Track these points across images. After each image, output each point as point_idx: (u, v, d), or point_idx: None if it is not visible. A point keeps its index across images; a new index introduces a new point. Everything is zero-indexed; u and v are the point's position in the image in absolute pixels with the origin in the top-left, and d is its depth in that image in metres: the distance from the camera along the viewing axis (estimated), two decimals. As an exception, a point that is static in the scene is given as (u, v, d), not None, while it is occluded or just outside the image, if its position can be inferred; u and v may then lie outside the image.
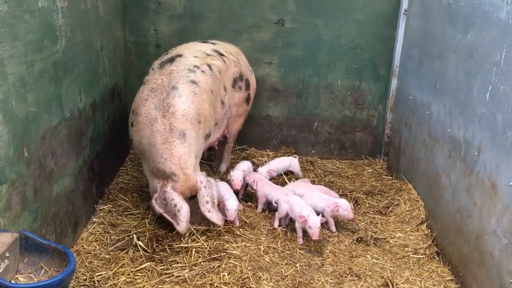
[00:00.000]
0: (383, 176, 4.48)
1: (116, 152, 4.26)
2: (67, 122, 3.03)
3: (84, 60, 3.34)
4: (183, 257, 3.08)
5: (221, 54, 3.82)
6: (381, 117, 4.75)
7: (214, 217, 3.18)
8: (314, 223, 3.18)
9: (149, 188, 3.36)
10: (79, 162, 3.28)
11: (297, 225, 3.35)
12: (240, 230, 3.45)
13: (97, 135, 3.64)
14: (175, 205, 3.03)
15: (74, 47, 3.11)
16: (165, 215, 3.11)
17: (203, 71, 3.49)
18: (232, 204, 3.41)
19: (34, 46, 2.54)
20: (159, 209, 3.12)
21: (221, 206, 3.42)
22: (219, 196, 3.42)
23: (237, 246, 3.25)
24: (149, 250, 3.13)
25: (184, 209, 3.02)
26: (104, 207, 3.68)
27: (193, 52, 3.62)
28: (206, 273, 2.96)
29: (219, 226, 3.28)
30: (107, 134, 3.91)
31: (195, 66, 3.48)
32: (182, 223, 3.01)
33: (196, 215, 3.28)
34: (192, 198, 3.19)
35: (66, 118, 3.02)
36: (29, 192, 2.52)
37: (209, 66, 3.58)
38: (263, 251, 3.24)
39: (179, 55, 3.53)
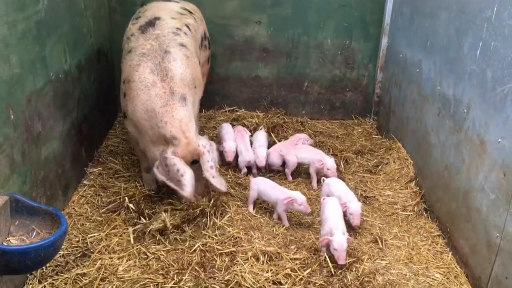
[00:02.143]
0: (373, 136, 4.50)
1: (104, 115, 4.21)
2: (52, 84, 2.97)
3: (68, 20, 3.24)
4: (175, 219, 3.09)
5: (190, 12, 3.71)
6: (371, 76, 4.73)
7: (219, 182, 3.04)
8: (339, 245, 2.70)
9: (148, 159, 3.19)
10: (66, 124, 3.24)
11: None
12: (233, 190, 3.48)
13: (84, 97, 3.58)
14: (178, 170, 2.88)
15: (56, 7, 3.01)
16: (168, 182, 2.95)
17: (185, 33, 3.38)
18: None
19: (15, 6, 2.45)
20: (161, 176, 2.97)
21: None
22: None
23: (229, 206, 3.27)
24: (140, 212, 3.12)
25: (188, 174, 2.88)
26: (94, 170, 3.66)
27: (168, 13, 3.47)
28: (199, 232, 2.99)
29: (223, 192, 3.20)
30: (94, 96, 3.85)
31: (177, 28, 3.35)
32: (187, 188, 2.86)
33: (200, 184, 3.13)
34: (194, 164, 3.05)
35: (52, 80, 2.96)
36: (17, 155, 2.50)
37: (187, 26, 3.47)
38: (254, 211, 3.27)
39: (157, 18, 3.37)
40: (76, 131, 3.42)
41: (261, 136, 3.98)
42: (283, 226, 3.13)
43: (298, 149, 3.76)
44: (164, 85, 3.01)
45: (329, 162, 3.53)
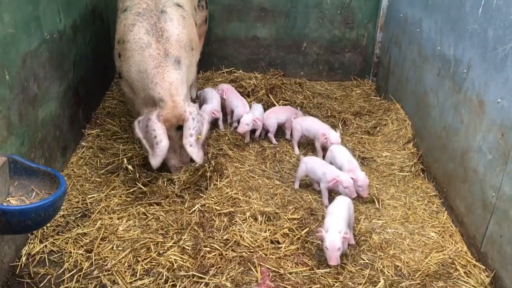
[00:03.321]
0: (372, 97, 4.47)
1: (101, 76, 4.17)
2: (47, 45, 2.92)
3: (61, -22, 3.17)
4: (173, 181, 3.11)
5: None
6: (371, 36, 4.66)
7: (195, 152, 3.00)
8: (331, 244, 2.44)
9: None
10: (63, 86, 3.21)
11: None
12: (230, 152, 3.48)
13: (80, 58, 3.54)
14: (155, 137, 2.89)
15: (49, -36, 2.94)
16: (144, 141, 2.98)
17: None
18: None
19: (5, -38, 2.39)
20: (139, 132, 2.98)
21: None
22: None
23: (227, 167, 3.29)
24: (139, 174, 3.13)
25: (163, 144, 2.89)
26: (92, 131, 3.66)
27: None
28: (198, 194, 3.01)
29: (197, 164, 3.14)
30: (90, 57, 3.80)
31: None
32: (157, 158, 2.89)
33: (185, 152, 3.08)
34: (180, 129, 3.04)
35: (46, 40, 2.91)
36: (14, 116, 2.48)
37: None
38: (253, 172, 3.29)
39: None
40: (73, 93, 3.40)
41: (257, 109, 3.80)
42: (281, 187, 3.15)
43: (305, 119, 3.66)
44: (158, 46, 2.96)
45: (333, 136, 3.38)
